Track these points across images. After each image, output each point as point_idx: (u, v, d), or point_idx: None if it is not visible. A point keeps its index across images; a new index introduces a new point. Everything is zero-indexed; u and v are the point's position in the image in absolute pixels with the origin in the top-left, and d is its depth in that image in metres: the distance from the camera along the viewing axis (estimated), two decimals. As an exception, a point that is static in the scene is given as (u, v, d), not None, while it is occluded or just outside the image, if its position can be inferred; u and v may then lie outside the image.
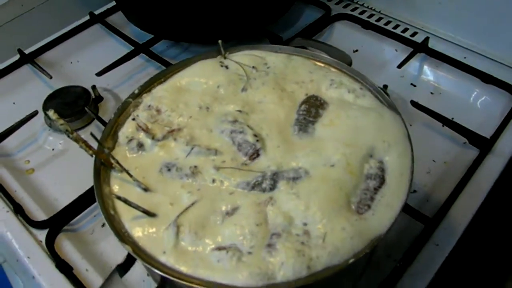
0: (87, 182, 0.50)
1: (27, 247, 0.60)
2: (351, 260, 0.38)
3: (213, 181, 0.44)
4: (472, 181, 0.63)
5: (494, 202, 0.66)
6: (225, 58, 0.54)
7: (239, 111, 0.49)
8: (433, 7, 0.80)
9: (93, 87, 0.76)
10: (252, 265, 0.38)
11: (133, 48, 0.81)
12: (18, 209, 0.63)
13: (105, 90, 0.78)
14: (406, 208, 0.60)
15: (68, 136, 0.44)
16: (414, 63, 0.77)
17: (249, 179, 0.44)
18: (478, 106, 0.73)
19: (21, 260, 0.60)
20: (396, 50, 0.80)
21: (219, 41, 0.53)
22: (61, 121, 0.43)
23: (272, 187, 0.43)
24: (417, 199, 0.63)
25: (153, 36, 0.81)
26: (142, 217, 0.42)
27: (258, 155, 0.45)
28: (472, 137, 0.67)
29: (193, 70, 0.53)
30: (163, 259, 0.40)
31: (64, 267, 0.57)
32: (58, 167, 0.70)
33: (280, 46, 0.55)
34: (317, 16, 0.85)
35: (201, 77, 0.52)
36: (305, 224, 0.40)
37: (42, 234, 0.61)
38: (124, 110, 0.51)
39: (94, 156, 0.45)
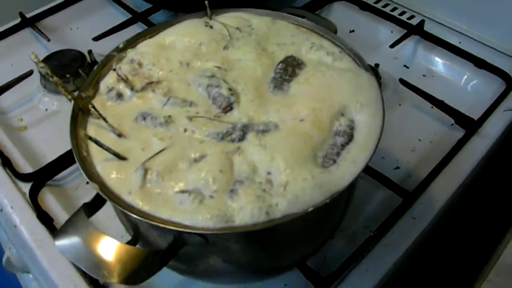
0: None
1: (11, 198, 0.62)
2: (310, 209, 0.39)
3: (185, 130, 0.45)
4: (455, 160, 0.63)
5: (477, 183, 0.66)
6: (210, 18, 0.55)
7: (218, 67, 0.49)
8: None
9: (89, 51, 0.77)
10: (212, 207, 0.39)
11: (131, 16, 0.82)
12: (6, 162, 0.64)
13: (101, 56, 0.79)
14: (387, 182, 0.60)
15: (48, 80, 0.45)
16: (408, 45, 0.77)
17: (219, 130, 0.44)
18: (468, 89, 0.73)
19: (5, 210, 0.61)
20: (391, 32, 0.80)
21: (206, 2, 0.54)
22: (41, 64, 0.44)
23: (241, 138, 0.44)
24: (399, 175, 0.63)
25: (151, 5, 0.82)
26: (113, 160, 0.43)
27: (231, 108, 0.46)
28: (459, 118, 0.67)
29: (178, 28, 0.54)
30: (129, 199, 0.41)
31: (45, 218, 0.58)
32: (50, 126, 0.72)
33: (266, 11, 0.56)
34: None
35: (184, 36, 0.53)
36: (268, 173, 0.41)
37: (26, 187, 0.62)
38: (107, 62, 0.52)
39: (72, 101, 0.46)
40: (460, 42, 0.76)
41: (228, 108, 0.46)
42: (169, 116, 0.46)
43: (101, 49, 0.80)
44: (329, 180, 0.40)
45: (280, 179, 0.40)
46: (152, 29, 0.55)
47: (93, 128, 0.46)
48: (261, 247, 0.45)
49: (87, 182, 0.63)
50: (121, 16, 0.86)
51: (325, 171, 0.41)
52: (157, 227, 0.39)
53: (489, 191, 0.70)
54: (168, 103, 0.47)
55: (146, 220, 0.38)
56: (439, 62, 0.76)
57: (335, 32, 0.55)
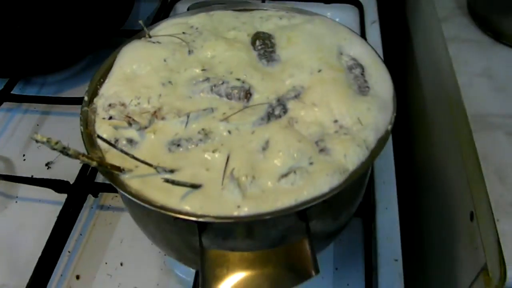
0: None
1: None
2: (390, 127, 0.42)
3: (229, 132, 0.43)
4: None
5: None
6: (150, 37, 0.52)
7: (203, 69, 0.48)
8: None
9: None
10: (322, 169, 0.40)
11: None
12: None
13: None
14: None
15: (67, 154, 0.38)
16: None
17: (260, 114, 0.44)
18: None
19: None
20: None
21: (140, 21, 0.51)
22: (55, 141, 0.37)
23: (285, 110, 0.44)
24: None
25: (8, 79, 0.72)
26: (190, 192, 0.39)
27: (250, 94, 0.46)
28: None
29: (128, 56, 0.50)
30: (241, 212, 0.38)
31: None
32: None
33: (190, 11, 0.55)
34: (156, 6, 0.86)
35: (142, 59, 0.49)
36: (335, 121, 0.43)
37: None
38: (86, 120, 0.45)
39: (97, 165, 0.40)
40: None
41: (248, 95, 0.46)
42: (203, 129, 0.44)
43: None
44: (380, 100, 0.45)
45: (348, 120, 0.43)
46: (97, 75, 0.50)
47: (135, 182, 0.41)
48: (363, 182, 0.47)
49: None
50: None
51: (370, 96, 0.45)
52: (294, 214, 0.38)
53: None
54: (190, 119, 0.44)
55: (292, 210, 0.37)
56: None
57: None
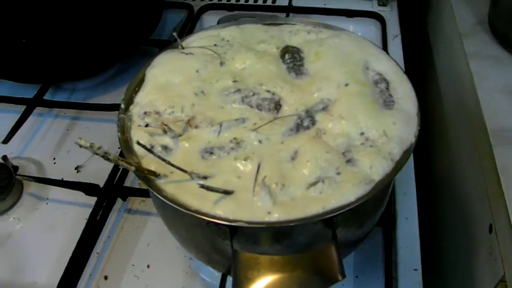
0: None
1: None
2: (414, 140, 0.44)
3: (260, 141, 0.45)
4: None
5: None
6: (183, 48, 0.54)
7: (235, 81, 0.50)
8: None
9: (5, 157, 0.66)
10: (349, 179, 0.41)
11: (24, 106, 0.73)
12: None
13: (18, 158, 0.70)
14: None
15: (108, 159, 0.40)
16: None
17: (289, 125, 0.46)
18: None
19: None
20: (268, 18, 0.88)
21: (174, 33, 0.53)
22: (97, 146, 0.40)
23: (313, 122, 0.46)
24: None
25: (41, 85, 0.74)
26: (222, 198, 0.41)
27: (280, 105, 0.48)
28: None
29: (162, 67, 0.52)
30: (272, 218, 0.40)
31: None
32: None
33: (222, 24, 0.58)
34: (183, 16, 0.88)
35: (175, 70, 0.52)
36: (362, 134, 0.45)
37: None
38: (123, 127, 0.48)
39: (135, 170, 0.42)
40: (325, 4, 0.88)
41: (278, 106, 0.48)
42: (234, 138, 0.46)
43: (15, 150, 0.70)
44: (405, 113, 0.46)
45: (374, 132, 0.45)
46: (132, 84, 0.52)
47: (170, 187, 0.43)
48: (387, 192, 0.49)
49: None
50: (8, 112, 0.76)
51: (395, 110, 0.47)
52: (321, 222, 0.39)
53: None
54: (222, 129, 0.46)
55: (321, 218, 0.39)
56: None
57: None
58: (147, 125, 0.47)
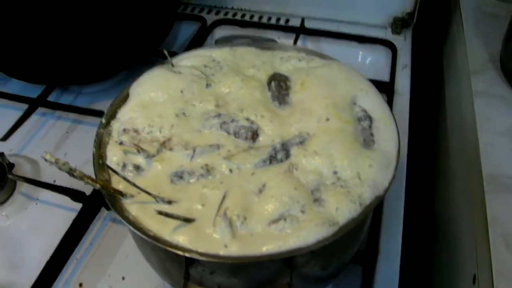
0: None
1: None
2: (388, 185, 0.43)
3: (230, 171, 0.45)
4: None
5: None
6: (173, 66, 0.54)
7: (217, 105, 0.50)
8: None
9: (1, 154, 0.68)
10: (312, 219, 0.40)
11: (27, 105, 0.74)
12: None
13: (15, 156, 0.71)
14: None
15: (72, 175, 0.40)
16: (298, 44, 0.85)
17: (263, 156, 0.45)
18: (367, 63, 0.84)
19: None
20: (278, 38, 0.87)
21: (165, 51, 0.53)
22: (62, 162, 0.40)
23: (287, 155, 0.45)
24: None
25: (44, 87, 0.76)
26: (182, 226, 0.41)
27: (257, 135, 0.47)
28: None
29: (149, 83, 0.52)
30: (227, 252, 0.39)
31: None
32: None
33: (215, 45, 0.57)
34: (195, 28, 0.89)
35: (160, 88, 0.52)
36: (335, 173, 0.44)
37: None
38: (100, 142, 0.48)
39: (100, 188, 0.42)
40: (337, 28, 0.87)
41: (255, 136, 0.47)
42: (206, 165, 0.45)
43: (7, 148, 0.72)
44: (383, 155, 0.45)
45: (348, 173, 0.43)
46: (117, 98, 0.52)
47: (134, 208, 0.43)
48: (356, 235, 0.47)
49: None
50: (7, 109, 0.78)
51: (374, 150, 0.45)
52: (278, 261, 0.39)
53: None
54: (196, 154, 0.46)
55: (270, 259, 0.38)
56: (330, 49, 0.85)
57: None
58: (121, 143, 0.47)
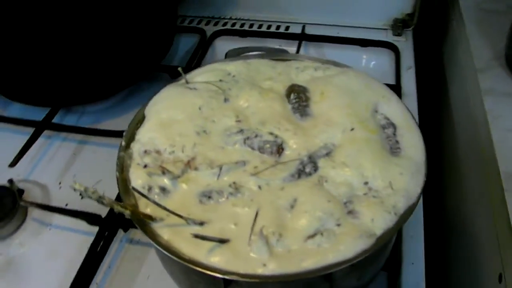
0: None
1: None
2: (420, 193, 0.42)
3: (259, 187, 0.44)
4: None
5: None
6: (187, 82, 0.54)
7: (238, 120, 0.49)
8: (294, 3, 0.89)
9: (10, 181, 0.66)
10: (349, 232, 0.40)
11: (32, 128, 0.73)
12: None
13: (24, 182, 0.70)
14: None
15: (102, 203, 0.40)
16: (301, 50, 0.85)
17: (291, 171, 0.45)
18: (371, 67, 0.84)
19: None
20: (280, 46, 0.87)
21: (179, 68, 0.53)
22: (92, 190, 0.39)
23: (316, 168, 0.45)
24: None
25: (49, 109, 0.75)
26: (216, 247, 0.40)
27: (283, 149, 0.47)
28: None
29: (165, 102, 0.52)
30: (266, 270, 0.39)
31: None
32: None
33: (228, 59, 0.57)
34: (195, 41, 0.88)
35: (178, 107, 0.51)
36: (365, 183, 0.43)
37: None
38: (122, 165, 0.47)
39: (130, 214, 0.41)
40: (338, 33, 0.87)
41: (280, 150, 0.47)
42: (234, 183, 0.45)
43: (15, 174, 0.70)
44: (411, 162, 0.45)
45: (380, 182, 0.43)
46: (135, 119, 0.51)
47: (165, 231, 0.42)
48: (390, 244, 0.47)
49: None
50: (11, 134, 0.76)
51: (403, 159, 0.45)
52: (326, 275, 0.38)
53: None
54: (222, 172, 0.45)
55: (313, 275, 0.37)
56: (333, 55, 0.85)
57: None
58: (145, 166, 0.46)
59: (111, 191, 0.54)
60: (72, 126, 0.76)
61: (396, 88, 0.75)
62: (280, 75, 0.54)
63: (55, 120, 0.76)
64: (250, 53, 0.59)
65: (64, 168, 0.73)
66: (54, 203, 0.67)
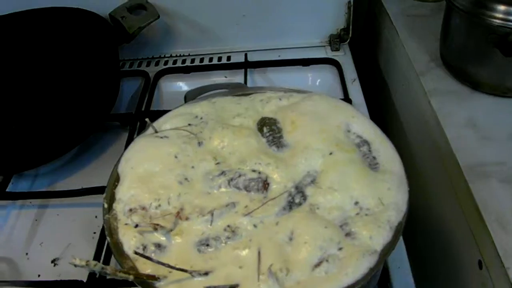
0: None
1: None
2: (407, 203, 0.45)
3: (255, 226, 0.44)
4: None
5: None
6: (156, 132, 0.53)
7: (217, 163, 0.49)
8: (232, 32, 0.91)
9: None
10: (352, 254, 0.41)
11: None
12: None
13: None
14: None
15: (105, 274, 0.38)
16: (248, 78, 0.86)
17: (281, 204, 0.46)
18: (317, 84, 0.86)
19: None
20: (225, 77, 0.88)
21: (147, 119, 0.52)
22: (93, 263, 0.38)
23: (304, 197, 0.46)
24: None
25: (1, 177, 0.71)
26: (227, 295, 0.40)
27: (268, 184, 0.47)
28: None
29: (138, 157, 0.51)
30: (283, 308, 0.39)
31: None
32: None
33: (191, 101, 0.57)
34: (139, 83, 0.87)
35: (153, 158, 0.50)
36: (356, 203, 0.45)
37: None
38: (110, 228, 0.46)
39: (134, 278, 0.40)
40: (279, 56, 0.89)
41: (266, 185, 0.47)
42: (228, 226, 0.45)
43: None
44: (396, 178, 0.47)
45: (370, 200, 0.45)
46: (112, 175, 0.50)
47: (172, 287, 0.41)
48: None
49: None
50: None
51: (384, 173, 0.47)
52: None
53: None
54: (214, 217, 0.45)
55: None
56: (278, 79, 0.87)
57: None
58: (136, 226, 0.45)
59: (84, 253, 0.51)
60: (28, 192, 0.72)
61: (346, 102, 0.78)
62: (247, 110, 0.55)
63: (9, 188, 0.72)
64: (209, 92, 0.58)
65: (28, 237, 0.69)
66: (25, 276, 0.63)
